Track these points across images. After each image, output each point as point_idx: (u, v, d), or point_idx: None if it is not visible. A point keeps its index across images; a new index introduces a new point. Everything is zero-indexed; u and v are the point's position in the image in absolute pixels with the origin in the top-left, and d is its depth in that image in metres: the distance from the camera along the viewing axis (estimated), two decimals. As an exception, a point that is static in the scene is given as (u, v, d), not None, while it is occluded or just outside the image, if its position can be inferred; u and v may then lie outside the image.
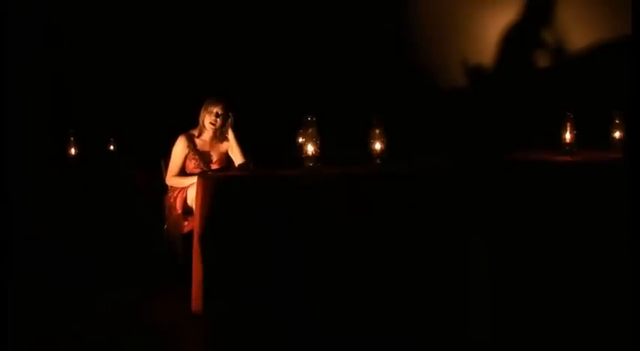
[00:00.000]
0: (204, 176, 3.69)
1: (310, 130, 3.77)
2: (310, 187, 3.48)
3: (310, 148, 3.77)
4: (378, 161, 3.88)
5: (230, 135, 4.32)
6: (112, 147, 5.59)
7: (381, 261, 3.46)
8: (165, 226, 4.39)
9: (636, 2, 3.51)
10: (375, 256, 3.46)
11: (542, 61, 5.56)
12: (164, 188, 4.47)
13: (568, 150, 4.18)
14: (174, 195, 4.30)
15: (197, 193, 3.68)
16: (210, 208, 3.52)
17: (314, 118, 3.77)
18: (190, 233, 4.21)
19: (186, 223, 4.26)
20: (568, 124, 4.20)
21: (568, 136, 4.20)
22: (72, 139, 4.99)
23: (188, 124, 4.45)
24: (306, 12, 5.71)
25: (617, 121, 4.29)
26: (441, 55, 5.67)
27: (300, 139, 3.81)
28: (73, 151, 4.98)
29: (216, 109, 4.27)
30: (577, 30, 5.42)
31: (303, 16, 5.70)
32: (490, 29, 5.63)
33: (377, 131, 3.90)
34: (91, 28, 5.66)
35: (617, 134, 4.19)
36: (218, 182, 3.54)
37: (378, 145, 3.90)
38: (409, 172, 3.71)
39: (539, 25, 5.53)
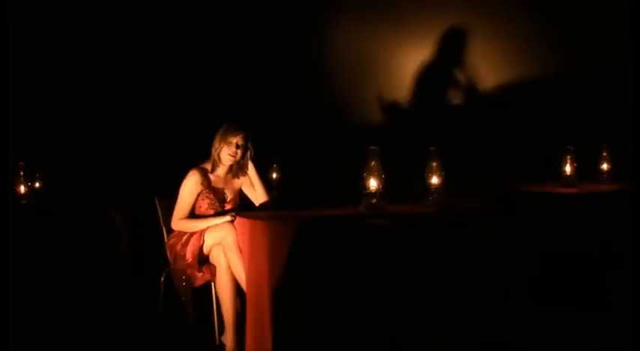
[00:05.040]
0: (278, 219, 3.06)
1: (373, 162, 3.31)
2: (434, 227, 3.02)
3: (373, 184, 3.31)
4: (435, 196, 3.53)
5: (250, 169, 3.68)
6: (37, 184, 4.60)
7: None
8: (162, 278, 3.65)
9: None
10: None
11: (455, 97, 5.60)
12: (158, 233, 3.74)
13: (569, 182, 4.27)
14: (182, 241, 3.58)
15: (255, 239, 3.08)
16: (288, 259, 2.91)
17: (377, 148, 3.31)
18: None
19: (199, 274, 3.56)
20: (568, 158, 4.30)
21: (568, 168, 4.31)
22: (21, 173, 4.02)
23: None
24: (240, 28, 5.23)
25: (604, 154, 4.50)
26: (357, 92, 5.50)
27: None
28: (22, 188, 4.02)
29: (236, 140, 3.61)
30: (486, 67, 5.51)
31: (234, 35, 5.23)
32: (406, 67, 5.55)
33: (434, 164, 3.54)
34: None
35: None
36: (302, 226, 2.91)
37: (435, 179, 3.54)
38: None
39: (453, 64, 5.56)
